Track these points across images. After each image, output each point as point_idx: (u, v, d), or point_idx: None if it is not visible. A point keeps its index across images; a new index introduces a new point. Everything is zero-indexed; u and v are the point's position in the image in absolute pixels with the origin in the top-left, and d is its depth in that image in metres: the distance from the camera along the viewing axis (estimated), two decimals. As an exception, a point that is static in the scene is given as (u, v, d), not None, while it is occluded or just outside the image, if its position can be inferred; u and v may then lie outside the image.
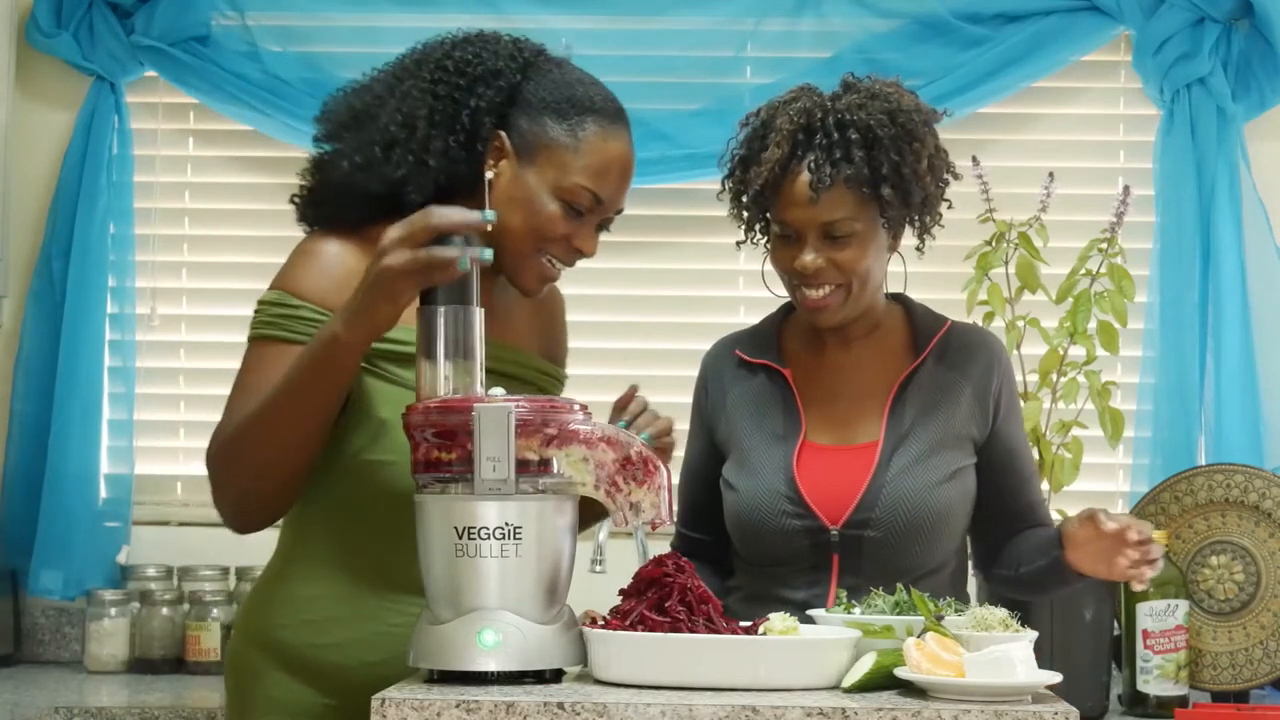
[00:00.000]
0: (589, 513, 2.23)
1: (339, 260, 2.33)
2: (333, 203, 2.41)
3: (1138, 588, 2.42)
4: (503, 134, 2.37)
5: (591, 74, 2.44)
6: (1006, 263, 3.40)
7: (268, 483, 2.28)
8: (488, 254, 2.17)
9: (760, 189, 2.57)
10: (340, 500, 2.34)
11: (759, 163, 2.57)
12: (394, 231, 2.14)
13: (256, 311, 2.34)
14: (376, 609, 2.33)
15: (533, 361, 2.50)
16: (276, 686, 2.34)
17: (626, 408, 2.38)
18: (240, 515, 2.33)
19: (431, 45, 2.44)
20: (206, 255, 3.93)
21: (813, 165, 2.53)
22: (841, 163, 2.53)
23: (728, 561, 2.69)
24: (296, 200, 2.46)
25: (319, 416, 2.25)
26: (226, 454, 2.28)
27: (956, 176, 2.66)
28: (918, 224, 2.63)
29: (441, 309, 2.17)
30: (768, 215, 2.61)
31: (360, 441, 2.32)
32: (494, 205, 2.33)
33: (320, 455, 2.29)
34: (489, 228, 2.17)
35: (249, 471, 2.27)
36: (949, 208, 2.66)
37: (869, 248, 2.56)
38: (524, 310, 2.51)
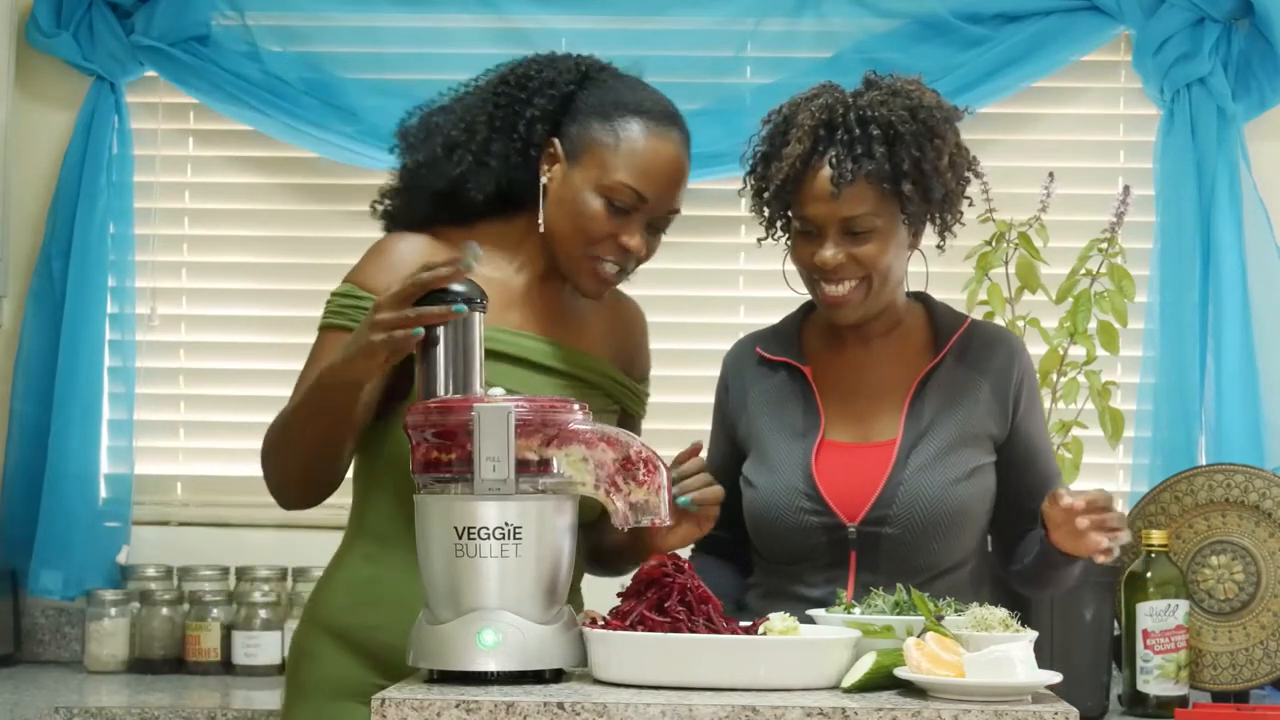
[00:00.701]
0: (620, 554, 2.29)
1: (409, 255, 2.43)
2: (401, 201, 2.55)
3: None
4: (555, 140, 2.47)
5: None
6: (1006, 263, 3.39)
7: (296, 475, 2.42)
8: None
9: (781, 184, 2.57)
10: (394, 486, 2.40)
11: (780, 158, 2.57)
12: (390, 289, 2.23)
13: (327, 303, 2.47)
14: None
15: (606, 369, 2.55)
16: (332, 665, 2.43)
17: (685, 463, 2.42)
18: (281, 496, 2.47)
19: (502, 66, 2.57)
20: (206, 255, 3.93)
21: (834, 160, 2.54)
22: (863, 158, 2.53)
23: (748, 559, 2.70)
24: (376, 206, 2.59)
25: (329, 434, 2.36)
26: (269, 441, 2.44)
27: (978, 174, 2.66)
28: (939, 221, 2.63)
29: (441, 309, 2.20)
30: (789, 212, 2.61)
31: None
32: (548, 208, 2.46)
33: (377, 443, 2.41)
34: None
35: (283, 462, 2.42)
36: (969, 205, 2.66)
37: (889, 244, 2.57)
38: (599, 318, 2.59)
